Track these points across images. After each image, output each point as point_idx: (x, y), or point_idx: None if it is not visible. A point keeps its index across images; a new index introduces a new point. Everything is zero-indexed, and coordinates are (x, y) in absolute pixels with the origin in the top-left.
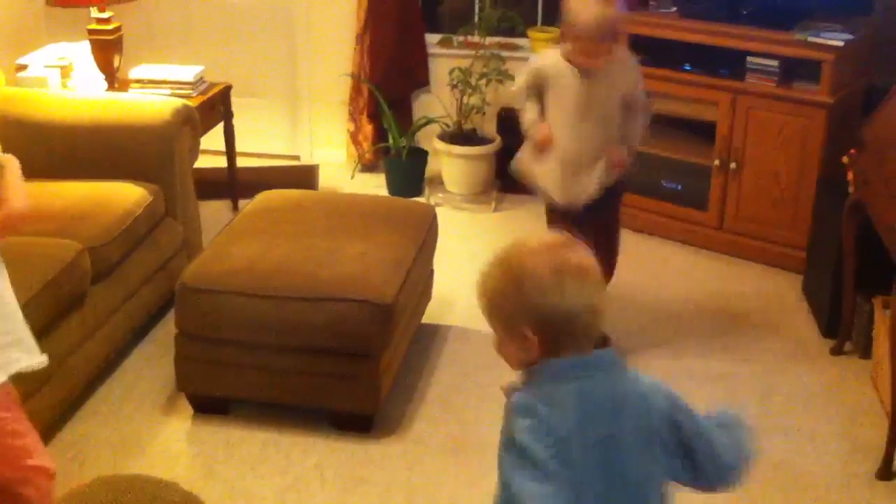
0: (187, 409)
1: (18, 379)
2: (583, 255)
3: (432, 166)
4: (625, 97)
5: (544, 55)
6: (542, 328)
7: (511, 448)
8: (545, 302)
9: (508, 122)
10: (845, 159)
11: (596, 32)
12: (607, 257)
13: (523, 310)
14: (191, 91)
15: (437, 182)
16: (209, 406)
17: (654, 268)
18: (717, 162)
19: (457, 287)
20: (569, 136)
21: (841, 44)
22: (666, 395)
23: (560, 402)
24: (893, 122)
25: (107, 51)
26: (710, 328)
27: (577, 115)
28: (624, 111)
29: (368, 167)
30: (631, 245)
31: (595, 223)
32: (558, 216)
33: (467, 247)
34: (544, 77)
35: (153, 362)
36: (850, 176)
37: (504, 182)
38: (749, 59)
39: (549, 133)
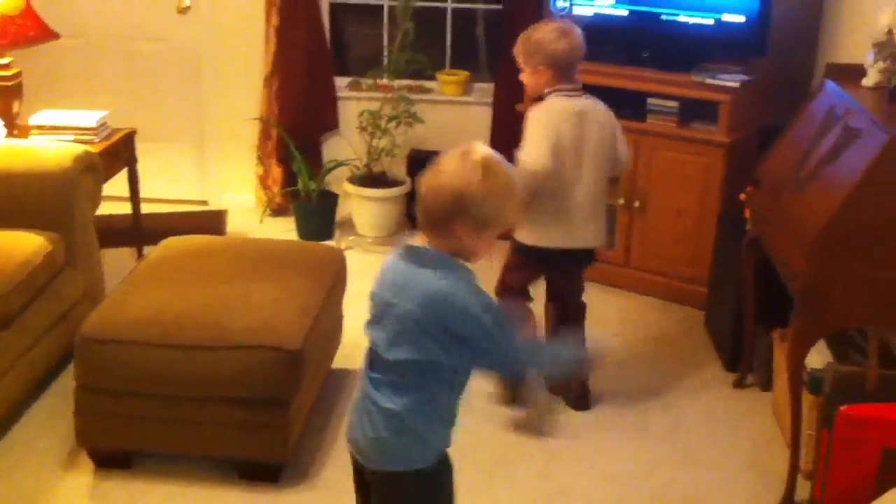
0: (88, 464)
1: None
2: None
3: (343, 209)
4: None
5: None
6: None
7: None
8: None
9: (418, 164)
10: (742, 196)
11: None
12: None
13: None
14: (93, 137)
15: (348, 225)
16: (111, 460)
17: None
18: (621, 200)
19: None
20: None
21: (737, 85)
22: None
23: None
24: (787, 160)
25: (6, 97)
26: (617, 364)
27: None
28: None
29: (278, 211)
30: (539, 282)
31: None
32: (527, 262)
33: None
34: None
35: (54, 416)
36: (747, 213)
37: (415, 224)
38: (650, 100)
39: None
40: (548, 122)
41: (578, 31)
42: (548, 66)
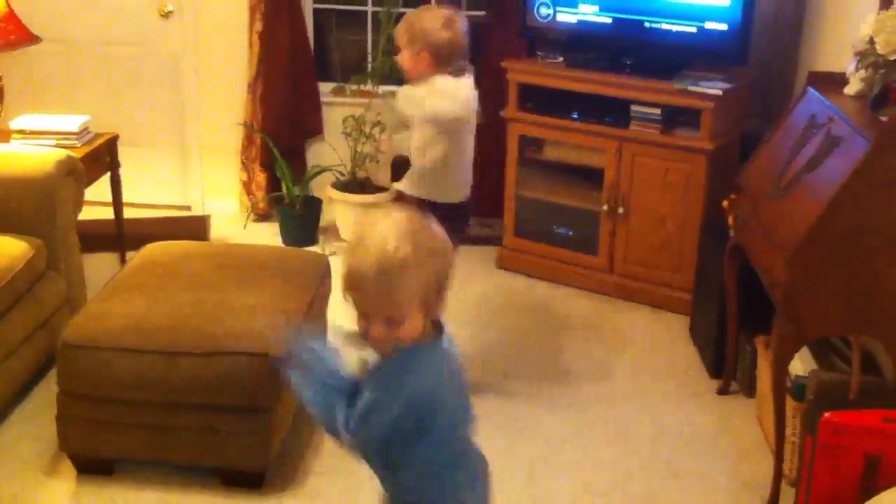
0: (70, 470)
1: None
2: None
3: (327, 215)
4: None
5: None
6: None
7: None
8: None
9: (402, 170)
10: (725, 204)
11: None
12: None
13: None
14: (75, 141)
15: (332, 231)
16: (93, 467)
17: (546, 311)
18: (605, 207)
19: None
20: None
21: (719, 93)
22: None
23: None
24: (767, 167)
25: None
26: (600, 370)
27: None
28: None
29: (262, 217)
30: (524, 289)
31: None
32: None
33: None
34: None
35: (35, 422)
36: (730, 220)
37: None
38: (633, 107)
39: None
40: (448, 86)
41: (463, 22)
42: (430, 53)
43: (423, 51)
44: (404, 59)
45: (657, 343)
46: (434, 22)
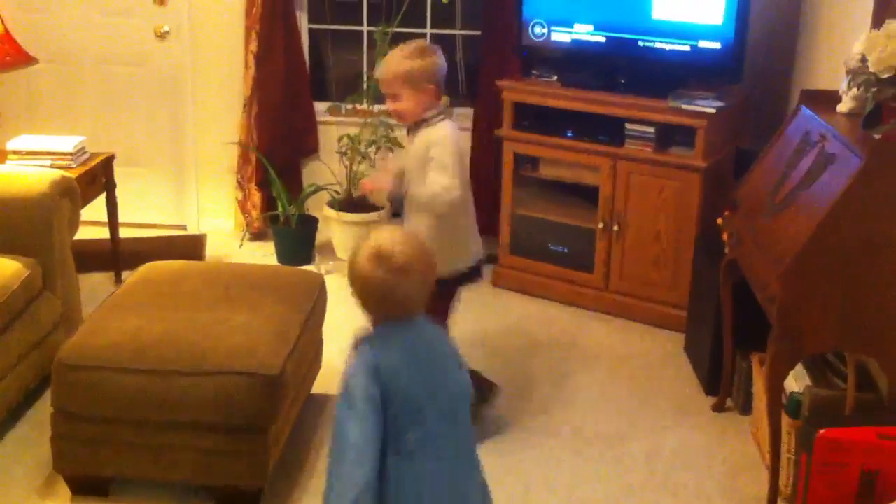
0: (65, 491)
1: None
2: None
3: (322, 234)
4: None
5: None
6: None
7: None
8: None
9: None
10: (720, 221)
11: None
12: None
13: None
14: (71, 162)
15: (328, 249)
16: (88, 487)
17: (542, 329)
18: (600, 225)
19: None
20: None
21: (713, 111)
22: None
23: None
24: (762, 184)
25: None
26: (596, 387)
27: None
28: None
29: (258, 236)
30: (519, 307)
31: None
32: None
33: (358, 314)
34: None
35: (31, 443)
36: (724, 236)
37: None
38: (627, 125)
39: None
40: (457, 148)
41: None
42: (435, 84)
43: (429, 83)
44: (406, 102)
45: (652, 360)
46: (433, 53)
